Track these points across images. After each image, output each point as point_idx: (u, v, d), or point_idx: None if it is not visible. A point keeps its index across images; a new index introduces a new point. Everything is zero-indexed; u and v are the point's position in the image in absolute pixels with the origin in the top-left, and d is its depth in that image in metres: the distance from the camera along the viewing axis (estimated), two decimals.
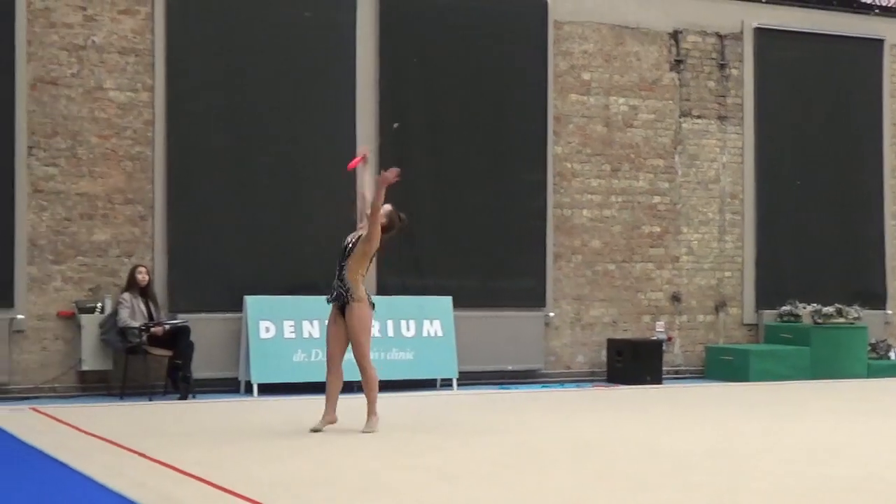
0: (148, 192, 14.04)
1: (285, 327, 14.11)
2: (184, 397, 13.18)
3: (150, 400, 13.10)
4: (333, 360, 10.40)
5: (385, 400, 13.29)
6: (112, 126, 13.92)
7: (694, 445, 9.62)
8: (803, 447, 9.60)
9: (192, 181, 14.21)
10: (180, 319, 13.63)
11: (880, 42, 18.17)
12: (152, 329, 13.31)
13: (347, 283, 10.29)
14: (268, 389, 13.76)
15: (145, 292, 13.54)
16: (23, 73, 13.51)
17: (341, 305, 10.35)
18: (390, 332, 14.55)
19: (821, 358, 16.39)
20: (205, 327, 13.92)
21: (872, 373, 16.54)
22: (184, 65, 14.20)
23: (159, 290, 13.87)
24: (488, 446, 9.49)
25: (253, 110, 14.53)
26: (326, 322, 10.62)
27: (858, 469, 8.46)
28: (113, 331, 13.41)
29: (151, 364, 13.46)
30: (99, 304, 13.65)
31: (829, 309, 16.71)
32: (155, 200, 14.05)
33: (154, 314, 13.54)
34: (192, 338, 13.48)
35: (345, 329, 10.32)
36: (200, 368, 13.67)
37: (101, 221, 13.85)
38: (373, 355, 14.29)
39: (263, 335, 13.98)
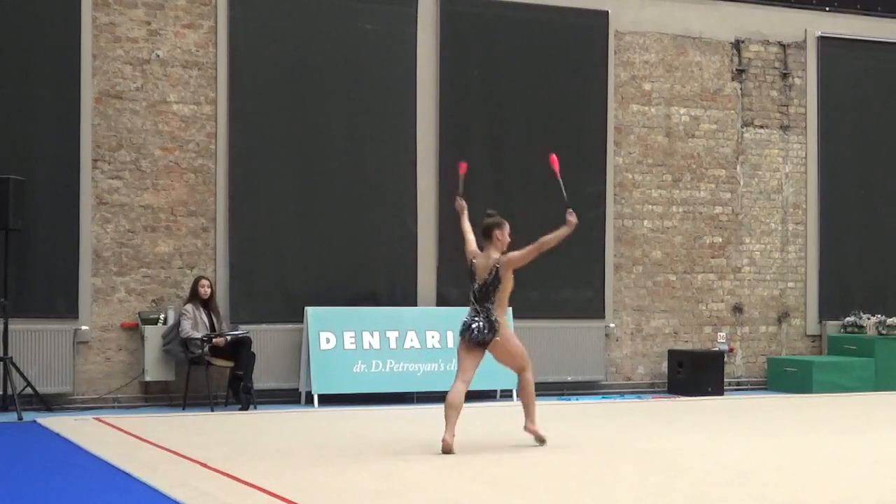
0: (210, 204, 14.17)
1: (345, 338, 14.17)
2: (245, 408, 13.26)
3: (212, 410, 13.20)
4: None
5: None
6: (175, 139, 14.06)
7: (757, 458, 9.55)
8: (868, 460, 9.48)
9: (253, 193, 14.32)
10: (242, 330, 13.73)
11: None
12: (214, 340, 13.42)
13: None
14: (328, 400, 13.83)
15: (208, 304, 13.66)
16: (88, 87, 13.68)
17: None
18: (450, 343, 14.54)
19: (885, 369, 16.21)
20: (266, 338, 14.03)
21: None
22: (246, 78, 14.33)
23: (221, 301, 13.98)
24: (550, 458, 9.46)
25: (314, 123, 14.62)
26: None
27: None
28: (175, 342, 13.53)
29: (213, 375, 13.57)
30: (162, 316, 13.78)
31: (894, 320, 16.54)
32: (217, 212, 14.17)
33: (216, 325, 13.65)
34: (254, 349, 13.57)
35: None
36: (261, 379, 13.78)
37: (165, 233, 13.99)
38: (432, 366, 14.46)
39: (324, 346, 14.05)
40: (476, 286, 9.90)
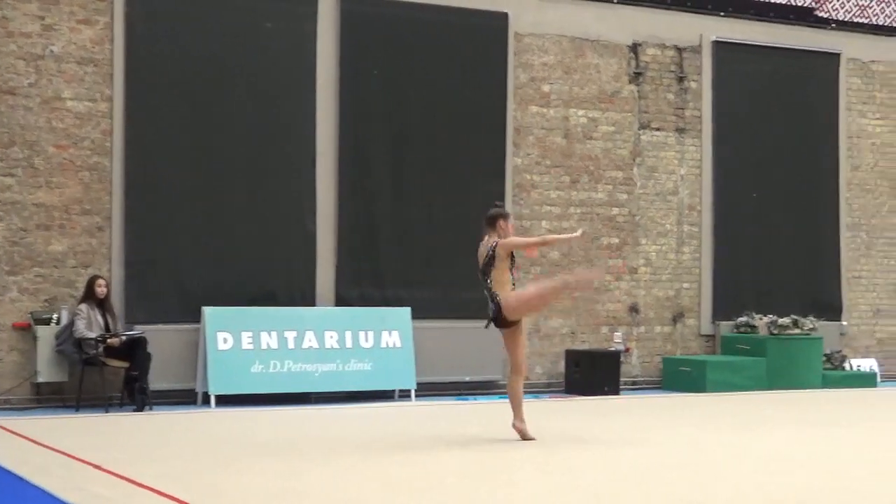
0: (105, 202, 13.97)
1: (243, 338, 14.06)
2: (140, 409, 13.10)
3: (107, 412, 13.02)
4: None
5: (343, 411, 13.33)
6: (70, 136, 13.84)
7: (652, 457, 9.66)
8: (760, 457, 9.65)
9: (150, 192, 14.14)
10: (137, 330, 13.56)
11: (836, 56, 18.35)
12: (109, 340, 13.23)
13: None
14: (225, 401, 13.71)
15: (103, 304, 13.46)
16: None
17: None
18: (349, 343, 14.53)
19: (776, 369, 16.49)
20: (162, 338, 13.84)
21: (827, 383, 16.67)
22: (143, 75, 14.14)
23: (116, 300, 13.79)
24: (450, 458, 9.49)
25: (212, 121, 14.49)
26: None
27: (813, 478, 8.54)
28: (69, 342, 13.32)
29: (108, 376, 13.36)
30: (55, 316, 13.55)
31: (785, 320, 16.83)
32: (112, 211, 13.97)
33: (111, 325, 13.46)
34: (150, 349, 13.40)
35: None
36: (157, 380, 13.60)
37: (58, 232, 13.76)
38: (330, 366, 14.44)
39: (221, 346, 13.92)
40: (479, 270, 10.64)
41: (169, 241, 14.22)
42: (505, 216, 10.73)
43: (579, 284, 10.78)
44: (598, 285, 15.76)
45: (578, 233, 11.23)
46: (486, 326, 10.67)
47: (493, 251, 10.48)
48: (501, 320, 10.49)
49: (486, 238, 10.65)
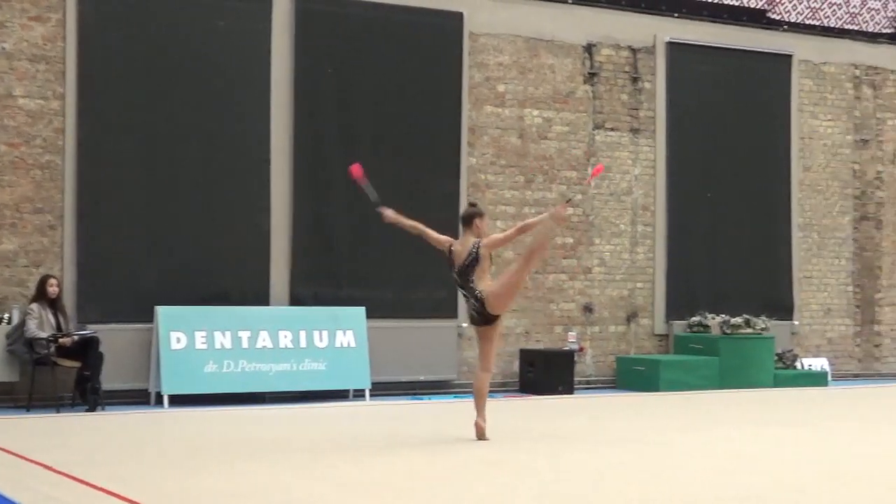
0: (57, 201, 13.86)
1: (197, 338, 13.99)
2: (92, 409, 13.02)
3: (58, 412, 12.92)
4: None
5: (297, 411, 13.30)
6: (21, 134, 13.72)
7: (606, 456, 9.70)
8: (712, 456, 9.72)
9: (102, 191, 14.05)
10: (89, 330, 13.46)
11: (788, 57, 18.49)
12: (61, 340, 13.13)
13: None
14: (179, 401, 13.64)
15: (54, 303, 13.35)
16: None
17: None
18: (303, 343, 14.50)
19: (729, 368, 16.61)
20: (115, 338, 13.75)
21: (779, 382, 16.81)
22: (95, 73, 14.04)
23: (68, 300, 13.68)
24: (404, 458, 9.48)
25: (165, 120, 14.41)
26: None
27: (765, 478, 8.59)
28: (20, 342, 13.20)
29: (60, 375, 13.27)
30: (6, 315, 13.43)
31: (738, 319, 16.95)
32: (64, 210, 13.87)
33: (63, 325, 13.35)
34: (102, 349, 13.32)
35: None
36: (110, 379, 13.51)
37: (9, 230, 13.65)
38: (284, 366, 14.40)
39: (174, 346, 13.85)
40: (455, 271, 10.46)
41: (121, 241, 14.13)
42: (481, 215, 10.65)
43: (555, 218, 10.83)
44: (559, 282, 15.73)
45: (549, 213, 11.07)
46: (476, 324, 10.53)
47: (477, 252, 10.38)
48: (486, 316, 10.39)
49: (464, 238, 10.55)
